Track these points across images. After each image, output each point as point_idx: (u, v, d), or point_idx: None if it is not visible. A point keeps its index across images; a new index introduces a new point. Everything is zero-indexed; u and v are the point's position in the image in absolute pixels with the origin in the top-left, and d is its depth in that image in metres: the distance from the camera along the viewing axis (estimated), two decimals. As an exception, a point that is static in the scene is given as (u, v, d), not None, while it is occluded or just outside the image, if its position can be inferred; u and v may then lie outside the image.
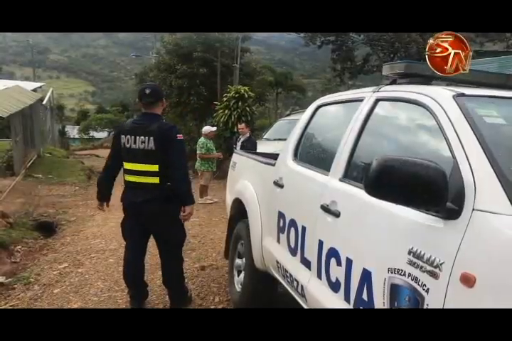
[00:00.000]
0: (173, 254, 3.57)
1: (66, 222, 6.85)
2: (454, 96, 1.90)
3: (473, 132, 1.68)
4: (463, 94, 1.94)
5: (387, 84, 2.49)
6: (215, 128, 8.93)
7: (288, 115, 12.53)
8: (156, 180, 3.36)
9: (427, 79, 2.31)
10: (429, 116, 1.92)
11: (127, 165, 3.48)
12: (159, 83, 18.92)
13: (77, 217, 7.27)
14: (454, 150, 1.67)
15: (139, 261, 3.62)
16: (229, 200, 4.15)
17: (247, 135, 8.12)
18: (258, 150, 7.02)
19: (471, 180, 1.53)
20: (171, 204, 3.33)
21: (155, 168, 3.35)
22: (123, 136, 3.42)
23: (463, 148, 1.64)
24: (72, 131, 47.17)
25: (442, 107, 1.87)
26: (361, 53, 22.55)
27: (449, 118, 1.80)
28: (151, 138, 3.31)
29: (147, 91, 3.43)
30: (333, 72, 23.13)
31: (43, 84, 24.49)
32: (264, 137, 11.36)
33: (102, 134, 48.53)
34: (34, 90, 18.95)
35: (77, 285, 4.17)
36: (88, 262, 4.89)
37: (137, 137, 3.35)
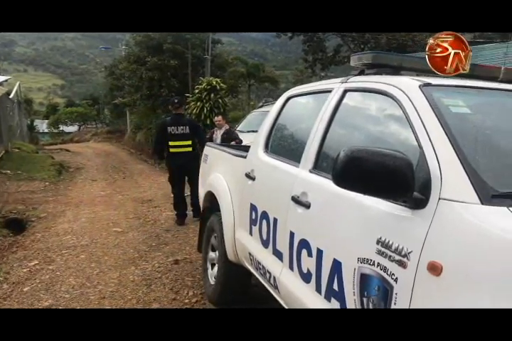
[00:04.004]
0: (196, 184, 5.31)
1: (36, 219, 6.71)
2: (420, 86, 1.91)
3: (439, 122, 1.70)
4: (429, 84, 1.95)
5: (355, 75, 2.49)
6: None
7: (261, 106, 12.47)
8: (190, 149, 6.36)
9: (394, 70, 2.32)
10: (396, 106, 1.93)
11: (173, 143, 6.31)
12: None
13: (48, 213, 7.12)
14: (421, 140, 1.69)
15: (181, 193, 6.54)
16: (201, 193, 4.12)
17: (227, 127, 7.95)
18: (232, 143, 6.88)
19: (437, 170, 1.54)
20: (196, 160, 5.18)
21: (189, 142, 6.34)
22: (168, 127, 6.32)
23: (429, 138, 1.66)
24: (42, 126, 46.17)
25: (409, 97, 1.87)
26: (332, 44, 22.64)
27: (415, 108, 1.81)
28: (186, 126, 6.34)
29: (176, 101, 6.52)
30: (304, 64, 23.20)
31: (9, 77, 23.78)
32: (238, 129, 11.28)
33: (73, 128, 47.67)
34: (0, 84, 18.41)
35: (48, 283, 4.09)
36: (59, 259, 4.81)
37: (178, 127, 6.31)
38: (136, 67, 17.75)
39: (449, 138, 1.62)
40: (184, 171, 6.35)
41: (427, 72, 2.41)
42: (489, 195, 1.41)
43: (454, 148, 1.58)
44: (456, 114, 1.81)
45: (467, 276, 1.32)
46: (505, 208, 1.34)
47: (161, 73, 17.30)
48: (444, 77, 2.31)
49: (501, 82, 2.33)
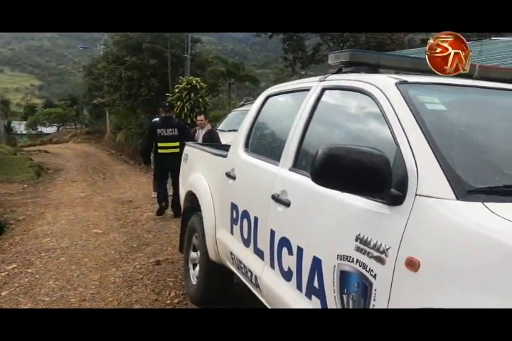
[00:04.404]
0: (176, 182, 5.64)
1: (15, 221, 6.60)
2: (396, 84, 1.93)
3: (415, 119, 1.71)
4: (405, 82, 1.97)
5: (333, 73, 2.50)
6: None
7: (242, 106, 12.46)
8: (177, 150, 6.38)
9: (372, 68, 2.34)
10: (373, 104, 1.94)
11: (161, 144, 6.70)
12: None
13: (27, 215, 7.01)
14: (397, 137, 1.70)
15: (165, 188, 6.94)
16: (182, 193, 4.10)
17: (209, 127, 7.88)
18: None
19: (414, 166, 1.56)
20: (180, 161, 4.92)
21: (177, 144, 6.56)
22: (158, 129, 6.70)
23: (405, 135, 1.67)
24: (19, 127, 45.48)
25: (385, 95, 1.89)
26: (312, 43, 22.72)
27: (391, 105, 1.82)
28: (175, 129, 6.75)
29: (167, 104, 7.13)
30: (284, 62, 23.23)
31: (-16, 78, 23.34)
32: (219, 128, 11.23)
33: (51, 129, 47.02)
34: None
35: (27, 286, 4.02)
36: (38, 262, 4.73)
37: (167, 129, 6.71)
38: (115, 67, 17.57)
39: (424, 135, 1.63)
40: (170, 171, 6.67)
41: (405, 70, 2.45)
42: (465, 191, 1.43)
43: (429, 145, 1.59)
44: (431, 111, 1.82)
45: (444, 271, 1.33)
46: (480, 203, 1.36)
47: (141, 73, 17.15)
48: (420, 75, 2.34)
49: (476, 79, 2.36)
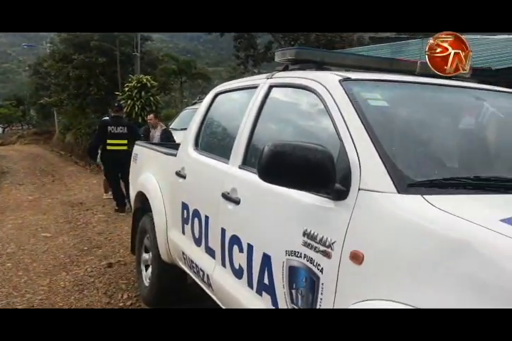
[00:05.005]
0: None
1: (-43, 228, 6.29)
2: (340, 81, 1.96)
3: (358, 115, 1.74)
4: (349, 79, 2.00)
5: (280, 71, 2.52)
6: None
7: (194, 104, 12.39)
8: (125, 147, 6.77)
9: (317, 65, 2.36)
10: (318, 100, 1.96)
11: (111, 141, 7.04)
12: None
13: (-30, 221, 6.70)
14: (341, 133, 1.73)
15: (119, 184, 7.19)
16: (132, 194, 4.02)
17: (163, 127, 7.78)
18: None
19: (357, 162, 1.59)
20: (129, 158, 4.99)
21: (125, 141, 6.94)
22: (109, 127, 7.07)
23: (348, 131, 1.70)
24: (-38, 129, 43.37)
25: (329, 92, 1.91)
26: (264, 41, 22.79)
27: (335, 102, 1.85)
28: (125, 127, 7.16)
29: (116, 104, 7.95)
30: (237, 60, 23.20)
31: None
32: (171, 127, 11.12)
33: (-4, 130, 45.07)
34: None
35: (-29, 295, 3.85)
36: (-17, 269, 4.53)
37: (118, 127, 7.08)
38: (62, 66, 17.09)
39: (367, 130, 1.67)
40: (119, 167, 6.84)
41: (349, 67, 2.49)
42: (405, 184, 1.47)
43: (372, 141, 1.62)
44: (374, 107, 1.86)
45: (387, 263, 1.37)
46: (420, 196, 1.40)
47: (89, 71, 16.74)
48: (365, 72, 2.38)
49: (417, 75, 2.43)
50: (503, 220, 1.21)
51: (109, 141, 7.07)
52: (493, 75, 5.90)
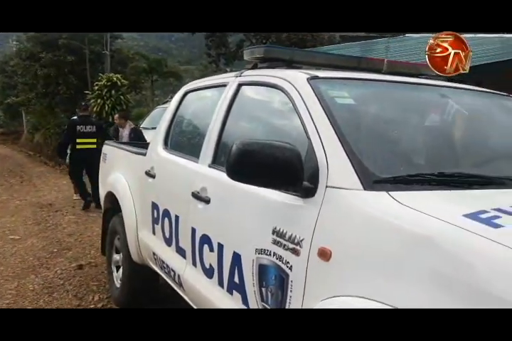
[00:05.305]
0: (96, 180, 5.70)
1: None
2: (308, 79, 1.96)
3: (325, 113, 1.75)
4: (316, 77, 2.01)
5: (249, 69, 2.52)
6: None
7: (165, 102, 12.27)
8: (94, 146, 7.00)
9: (287, 63, 2.37)
10: (286, 99, 1.97)
11: (80, 140, 7.15)
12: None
13: None
14: (309, 131, 1.73)
15: (82, 182, 7.42)
16: (102, 194, 3.97)
17: (132, 126, 7.70)
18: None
19: (324, 159, 1.60)
20: (98, 156, 5.13)
21: (94, 140, 7.12)
22: (78, 126, 7.18)
23: (316, 129, 1.71)
24: None
25: (297, 90, 1.92)
26: (235, 39, 22.75)
27: (303, 100, 1.85)
28: (94, 126, 7.30)
29: (83, 104, 8.15)
30: (208, 59, 23.11)
31: None
32: (142, 126, 11.00)
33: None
34: None
35: None
36: None
37: (86, 126, 7.20)
38: (29, 64, 16.74)
39: (334, 128, 1.68)
40: (86, 165, 7.13)
41: (318, 66, 2.50)
42: (371, 181, 1.48)
43: (339, 138, 1.64)
44: (341, 105, 1.88)
45: (354, 260, 1.38)
46: (385, 192, 1.41)
47: (58, 70, 16.44)
48: (332, 70, 2.40)
49: (384, 73, 2.47)
50: (465, 215, 1.23)
51: (78, 140, 7.17)
52: (462, 73, 6.04)
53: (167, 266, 2.63)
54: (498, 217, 1.22)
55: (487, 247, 1.10)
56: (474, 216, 1.22)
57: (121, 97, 12.65)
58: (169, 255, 2.63)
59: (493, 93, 2.45)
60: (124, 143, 4.28)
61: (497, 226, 1.17)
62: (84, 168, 7.35)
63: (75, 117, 7.70)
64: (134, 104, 15.98)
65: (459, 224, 1.18)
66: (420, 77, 2.53)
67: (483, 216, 1.22)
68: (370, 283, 1.32)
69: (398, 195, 1.40)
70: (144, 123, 10.85)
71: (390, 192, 1.41)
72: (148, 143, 3.55)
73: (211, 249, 2.12)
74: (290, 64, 2.36)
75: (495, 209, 1.26)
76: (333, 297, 1.39)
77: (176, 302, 2.77)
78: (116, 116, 7.66)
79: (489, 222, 1.18)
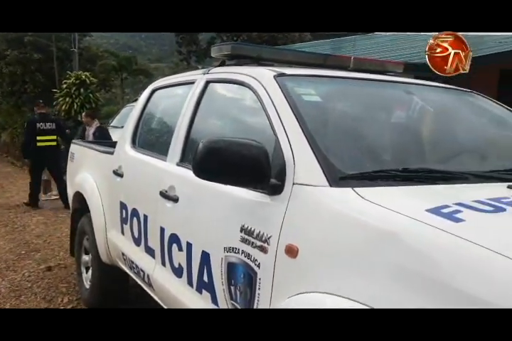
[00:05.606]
0: (59, 177, 6.81)
1: None
2: (275, 76, 1.96)
3: (292, 110, 1.75)
4: (283, 74, 2.01)
5: (217, 66, 2.50)
6: None
7: (135, 100, 12.12)
8: (54, 143, 7.32)
9: (254, 60, 2.36)
10: (253, 96, 1.96)
11: (40, 138, 7.18)
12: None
13: None
14: (276, 128, 1.73)
15: (39, 183, 7.45)
16: (70, 194, 3.89)
17: (97, 124, 7.62)
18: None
19: (291, 156, 1.60)
20: (58, 154, 6.28)
21: (54, 137, 7.32)
22: (37, 124, 7.24)
23: (283, 126, 1.71)
24: None
25: (264, 87, 1.91)
26: (206, 37, 22.64)
27: (270, 97, 1.85)
28: (53, 123, 7.43)
29: (40, 101, 7.91)
30: (179, 56, 22.94)
31: None
32: (111, 125, 10.85)
33: None
34: None
35: None
36: None
37: (46, 123, 7.29)
38: (-7, 62, 16.27)
39: (301, 125, 1.68)
40: (48, 164, 7.30)
41: (286, 63, 2.50)
42: (337, 178, 1.49)
43: (305, 135, 1.64)
44: (307, 102, 1.89)
45: (320, 256, 1.38)
46: (350, 189, 1.42)
47: (24, 68, 16.06)
48: (300, 67, 2.40)
49: (351, 71, 2.48)
50: (428, 210, 1.25)
51: (38, 138, 7.23)
52: (428, 70, 6.14)
53: (136, 266, 2.60)
54: (459, 211, 1.24)
55: (448, 241, 1.12)
56: (436, 211, 1.24)
57: (91, 95, 12.45)
58: (138, 255, 2.60)
59: (457, 89, 2.50)
60: (91, 142, 4.20)
61: (458, 220, 1.19)
62: (46, 167, 7.41)
63: (35, 116, 7.80)
64: (103, 102, 15.71)
65: (421, 219, 1.20)
66: (387, 75, 2.57)
67: (445, 211, 1.24)
68: (337, 279, 1.32)
69: (363, 191, 1.40)
70: (114, 122, 10.72)
71: (355, 189, 1.42)
72: (115, 142, 3.50)
73: (180, 248, 2.11)
74: (258, 61, 2.36)
75: (456, 204, 1.28)
76: (301, 293, 1.39)
77: (145, 303, 2.74)
78: (83, 114, 7.57)
79: (450, 217, 1.20)
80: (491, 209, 1.28)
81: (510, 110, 2.38)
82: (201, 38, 22.48)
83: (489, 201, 1.32)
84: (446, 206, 1.27)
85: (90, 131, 7.27)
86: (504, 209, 1.28)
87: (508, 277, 1.01)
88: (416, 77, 2.66)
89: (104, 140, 6.53)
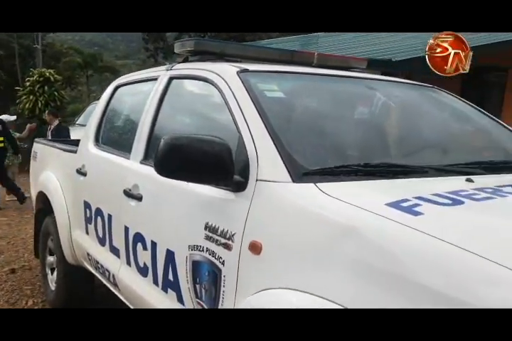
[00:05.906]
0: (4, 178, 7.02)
1: None
2: (237, 72, 1.95)
3: (255, 106, 1.74)
4: (246, 70, 2.00)
5: (180, 62, 2.47)
6: (14, 117, 8.23)
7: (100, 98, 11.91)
8: (2, 144, 7.14)
9: (217, 56, 2.34)
10: (216, 92, 1.94)
11: None
12: None
13: None
14: (239, 124, 1.72)
15: None
16: (33, 194, 3.80)
17: (56, 122, 7.56)
18: (72, 138, 6.55)
19: (254, 153, 1.59)
20: (6, 154, 6.33)
21: (2, 138, 7.12)
22: None
23: (246, 122, 1.69)
24: None
25: (227, 83, 1.90)
26: (173, 33, 22.40)
27: (233, 93, 1.83)
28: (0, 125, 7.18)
29: None
30: (146, 53, 22.66)
31: None
32: (77, 123, 10.65)
33: None
34: None
35: None
36: None
37: None
38: (-48, 59, 15.72)
39: (263, 122, 1.67)
40: None
41: (250, 59, 2.49)
42: (300, 174, 1.49)
43: (268, 131, 1.63)
44: (270, 98, 1.88)
45: (284, 252, 1.38)
46: (313, 184, 1.42)
47: (-16, 65, 15.56)
48: (264, 63, 2.39)
49: (315, 67, 2.49)
50: (388, 204, 1.26)
51: None
52: (393, 66, 6.23)
53: (102, 266, 2.56)
54: (418, 204, 1.25)
55: (406, 235, 1.13)
56: (396, 204, 1.25)
57: (55, 93, 12.17)
58: (103, 255, 2.55)
59: (419, 85, 2.54)
60: (54, 141, 4.10)
61: (417, 213, 1.20)
62: None
63: None
64: (69, 100, 15.36)
65: (381, 213, 1.21)
66: (351, 71, 2.58)
67: (405, 204, 1.25)
68: (300, 275, 1.32)
69: (325, 186, 1.41)
70: (80, 120, 10.52)
71: (317, 184, 1.42)
72: (79, 140, 3.43)
73: (145, 248, 2.08)
74: (222, 57, 2.34)
75: (416, 198, 1.30)
76: (265, 290, 1.39)
77: (111, 303, 2.69)
78: (46, 112, 7.43)
79: (410, 210, 1.22)
80: (450, 202, 1.30)
81: (471, 105, 2.43)
82: (168, 35, 22.25)
83: (448, 194, 1.35)
84: (406, 200, 1.28)
85: (50, 129, 7.18)
86: (462, 202, 1.31)
87: (465, 269, 1.02)
88: (384, 74, 2.68)
89: (61, 138, 6.45)
